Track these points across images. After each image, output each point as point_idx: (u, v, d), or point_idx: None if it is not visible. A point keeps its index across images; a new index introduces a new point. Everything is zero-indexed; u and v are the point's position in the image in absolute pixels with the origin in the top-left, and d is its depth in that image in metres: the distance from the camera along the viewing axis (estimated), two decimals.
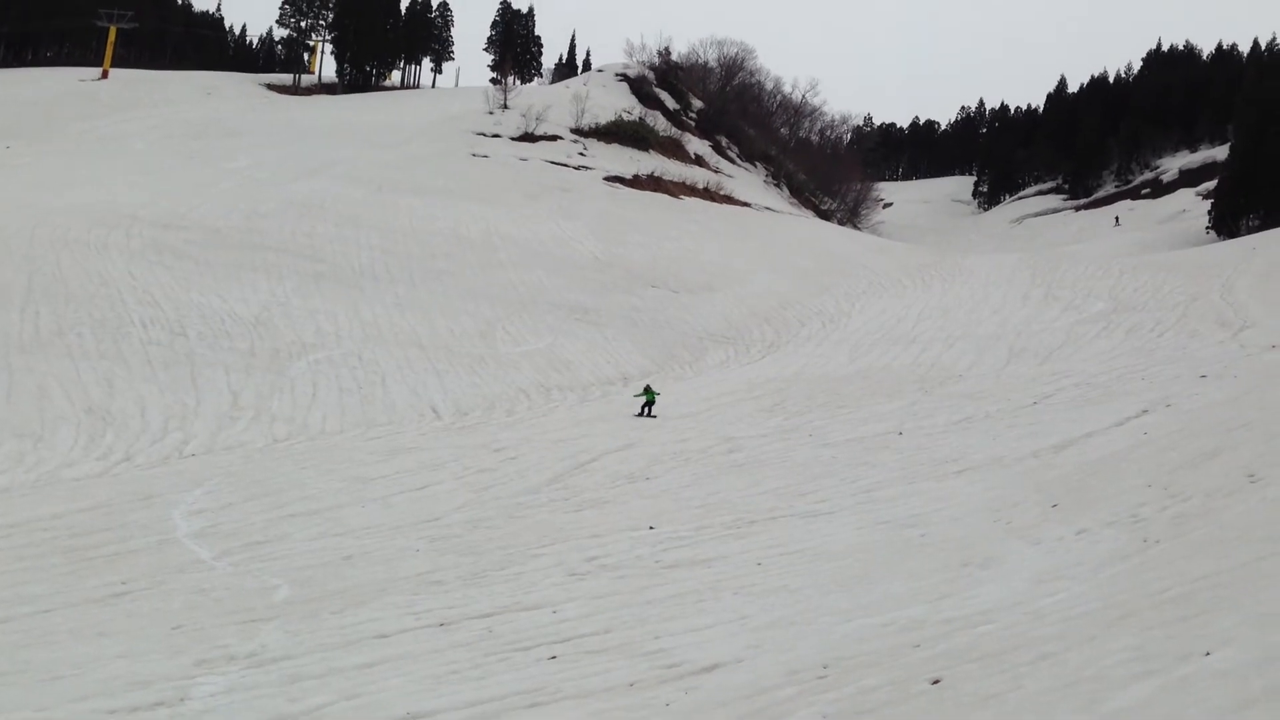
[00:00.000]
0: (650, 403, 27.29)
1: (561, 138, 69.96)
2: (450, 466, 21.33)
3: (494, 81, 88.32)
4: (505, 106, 73.63)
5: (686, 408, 28.33)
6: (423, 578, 13.28)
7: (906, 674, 6.79)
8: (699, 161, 78.06)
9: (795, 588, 11.46)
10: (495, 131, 69.20)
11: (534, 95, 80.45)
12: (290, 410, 26.09)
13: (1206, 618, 5.89)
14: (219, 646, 10.34)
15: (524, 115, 70.62)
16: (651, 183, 65.67)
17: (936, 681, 6.33)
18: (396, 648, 10.16)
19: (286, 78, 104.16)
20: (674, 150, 76.08)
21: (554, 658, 9.45)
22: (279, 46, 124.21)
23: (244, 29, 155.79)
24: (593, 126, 72.27)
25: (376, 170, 56.58)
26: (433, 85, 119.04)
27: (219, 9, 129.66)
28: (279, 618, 11.54)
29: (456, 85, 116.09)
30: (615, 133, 72.51)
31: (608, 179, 63.90)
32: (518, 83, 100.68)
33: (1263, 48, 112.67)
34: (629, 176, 65.19)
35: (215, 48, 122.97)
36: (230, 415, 25.12)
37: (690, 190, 67.47)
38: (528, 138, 68.69)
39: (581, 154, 68.19)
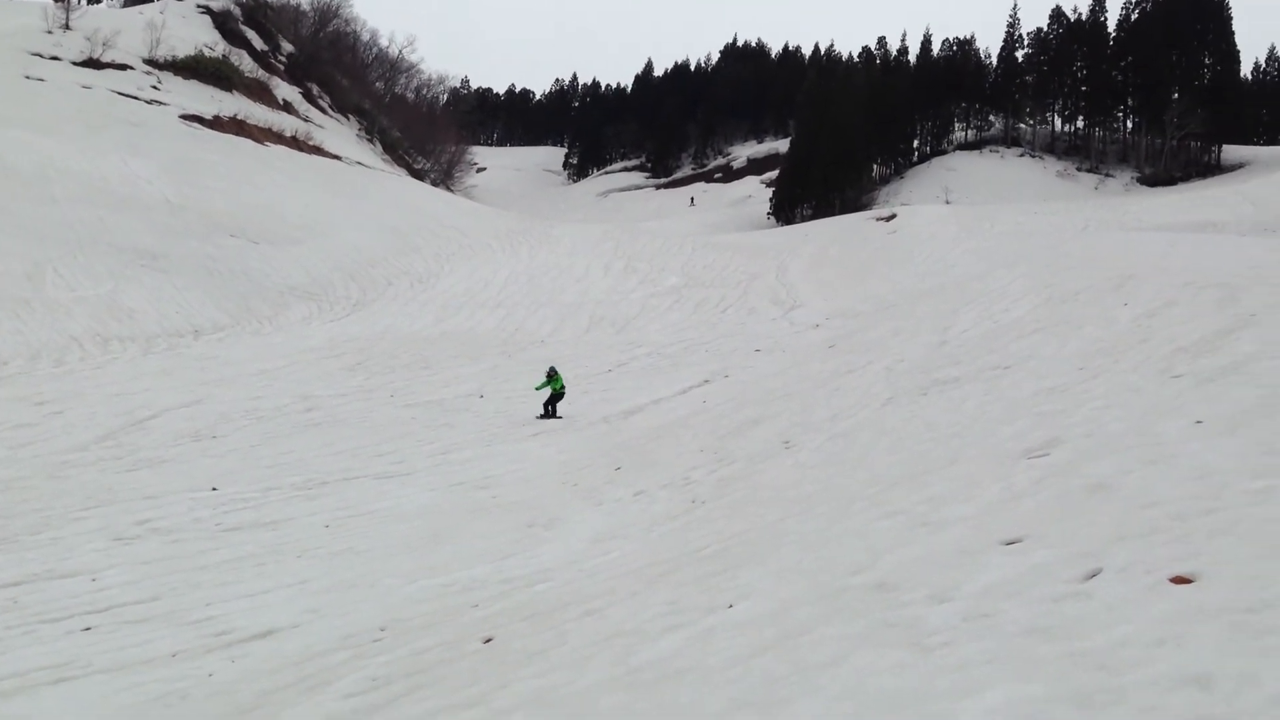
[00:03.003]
0: (557, 395, 21.59)
1: (133, 68, 64.16)
2: None
3: None
4: (67, 27, 66.36)
5: (263, 364, 27.10)
6: None
7: (461, 634, 6.90)
8: (287, 108, 74.57)
9: (362, 550, 11.31)
10: (54, 54, 62.19)
11: (102, 18, 73.04)
12: None
13: (734, 573, 6.44)
14: None
15: (89, 39, 63.97)
16: (234, 125, 61.80)
17: (489, 640, 6.48)
18: None
19: None
20: (260, 93, 72.17)
21: (89, 629, 8.72)
22: None
23: None
24: (169, 59, 66.90)
25: None
26: None
27: None
28: None
29: None
30: (195, 68, 67.57)
31: (185, 117, 59.35)
32: (83, 2, 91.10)
33: (822, 52, 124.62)
34: (209, 117, 60.93)
35: None
36: None
37: (277, 137, 64.24)
38: (93, 64, 62.36)
39: (155, 87, 62.95)
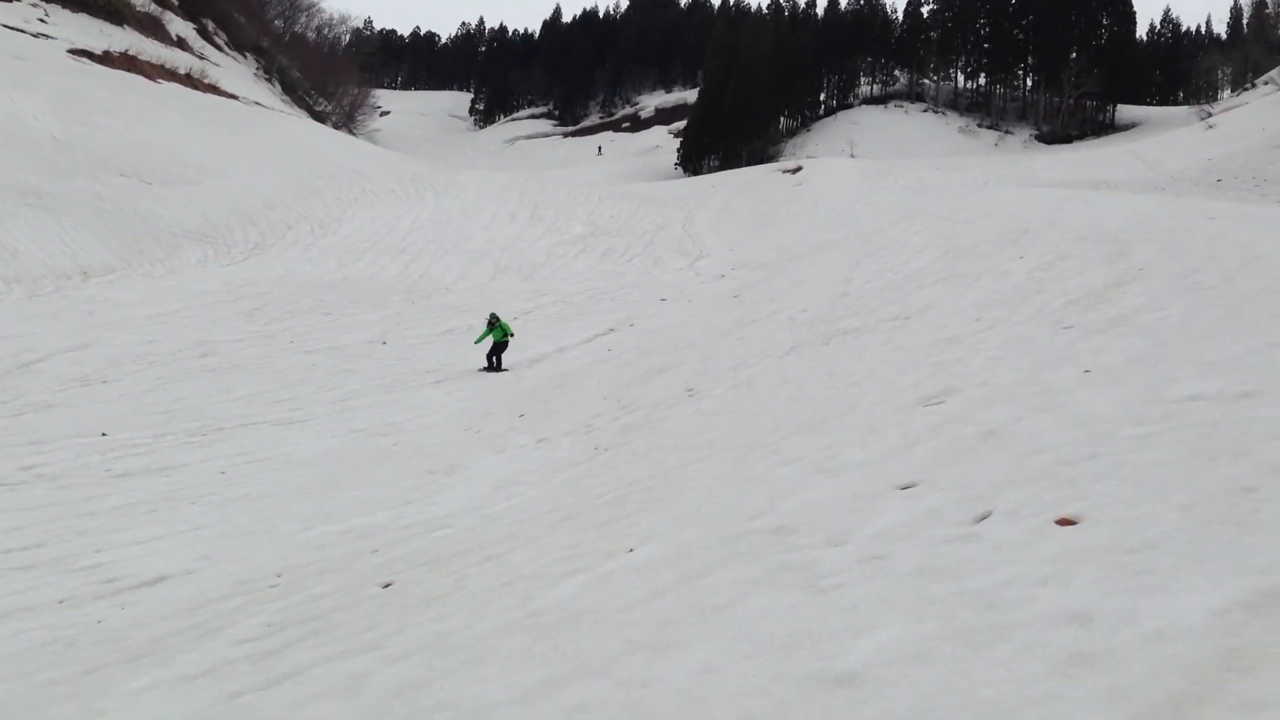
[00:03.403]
0: (500, 345, 20.26)
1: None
2: None
3: None
4: None
5: (156, 308, 26.34)
6: None
7: (359, 580, 6.82)
8: (181, 44, 71.87)
9: (258, 496, 11.11)
10: None
11: None
12: None
13: (635, 518, 6.47)
14: None
15: None
16: (125, 61, 59.32)
17: (388, 586, 6.42)
18: None
19: None
20: (153, 28, 69.36)
21: None
22: None
23: None
24: None
25: None
26: None
27: None
28: None
29: None
30: (84, 1, 64.63)
31: (73, 52, 56.71)
32: None
33: (731, 3, 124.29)
34: (99, 52, 58.34)
35: None
36: None
37: (170, 74, 61.88)
38: None
39: (42, 20, 60.04)
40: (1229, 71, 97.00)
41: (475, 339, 21.40)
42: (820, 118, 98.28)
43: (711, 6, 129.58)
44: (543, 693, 3.75)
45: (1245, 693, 2.43)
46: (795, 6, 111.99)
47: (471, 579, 6.00)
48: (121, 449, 13.62)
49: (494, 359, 20.41)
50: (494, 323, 20.52)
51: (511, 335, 20.70)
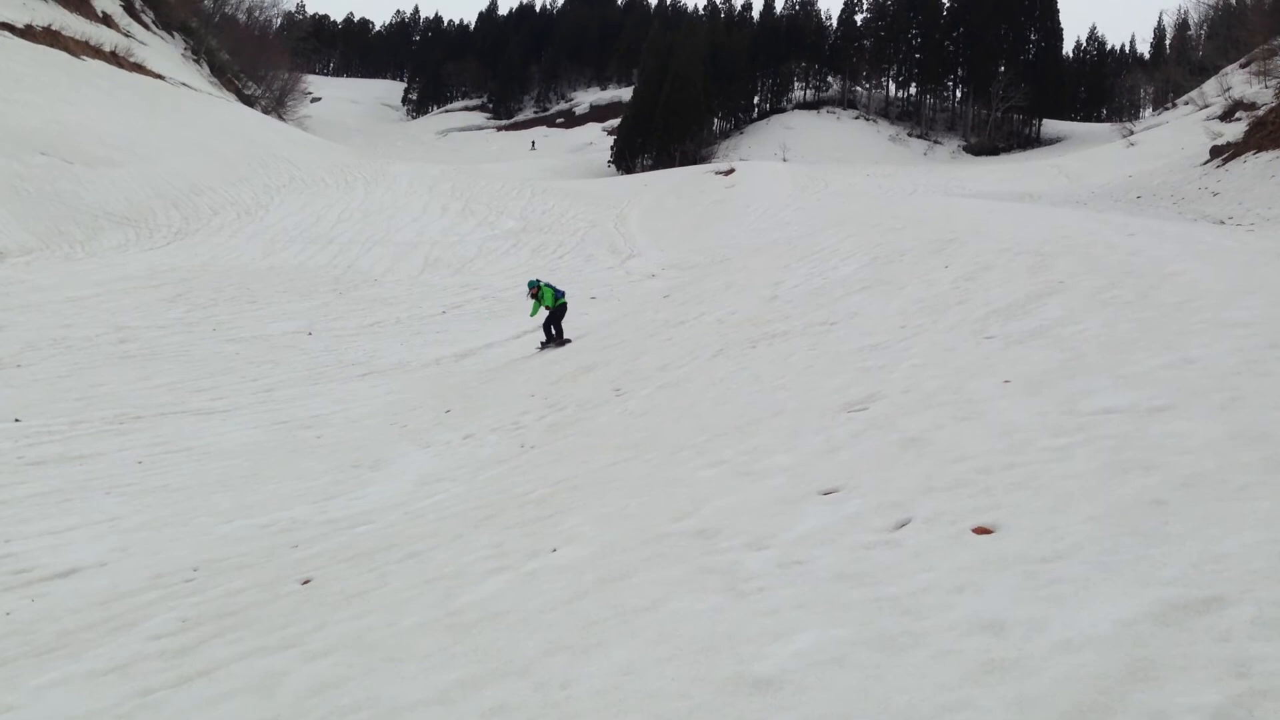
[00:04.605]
0: (557, 314, 18.91)
1: None
2: None
3: None
4: None
5: (74, 291, 25.70)
6: None
7: (278, 575, 6.72)
8: (107, 21, 70.16)
9: (177, 487, 10.90)
10: None
11: None
12: None
13: (559, 517, 6.45)
14: None
15: None
16: (48, 36, 57.77)
17: (307, 581, 6.33)
18: None
19: None
20: (77, 3, 67.59)
21: None
22: None
23: None
24: None
25: None
26: None
27: None
28: None
29: None
30: None
31: None
32: None
33: (668, 2, 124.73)
34: (20, 25, 56.78)
35: None
36: None
37: (95, 52, 60.41)
38: None
39: None
40: (1151, 91, 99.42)
41: (530, 313, 20.03)
42: (753, 121, 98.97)
43: (648, 5, 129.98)
44: (461, 692, 3.73)
45: (1149, 703, 2.50)
46: (731, 9, 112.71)
47: (393, 576, 5.95)
48: (35, 436, 13.28)
49: (553, 329, 19.19)
50: (538, 292, 19.08)
51: (557, 304, 19.17)
